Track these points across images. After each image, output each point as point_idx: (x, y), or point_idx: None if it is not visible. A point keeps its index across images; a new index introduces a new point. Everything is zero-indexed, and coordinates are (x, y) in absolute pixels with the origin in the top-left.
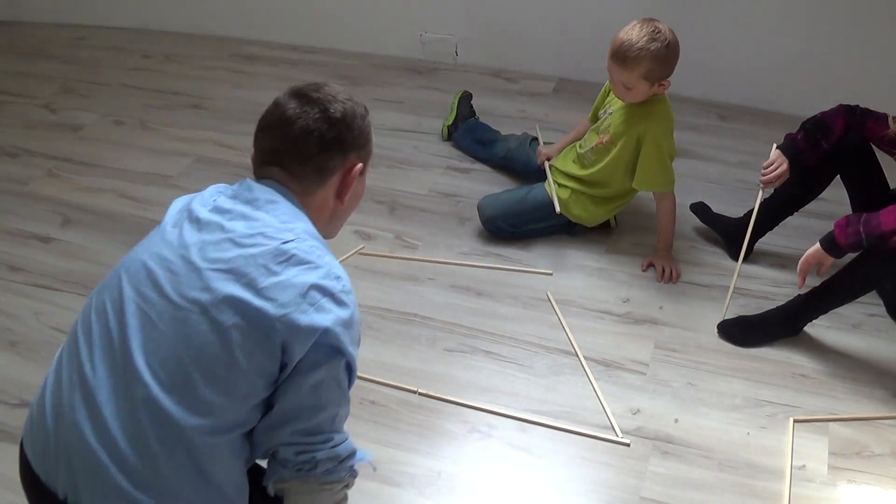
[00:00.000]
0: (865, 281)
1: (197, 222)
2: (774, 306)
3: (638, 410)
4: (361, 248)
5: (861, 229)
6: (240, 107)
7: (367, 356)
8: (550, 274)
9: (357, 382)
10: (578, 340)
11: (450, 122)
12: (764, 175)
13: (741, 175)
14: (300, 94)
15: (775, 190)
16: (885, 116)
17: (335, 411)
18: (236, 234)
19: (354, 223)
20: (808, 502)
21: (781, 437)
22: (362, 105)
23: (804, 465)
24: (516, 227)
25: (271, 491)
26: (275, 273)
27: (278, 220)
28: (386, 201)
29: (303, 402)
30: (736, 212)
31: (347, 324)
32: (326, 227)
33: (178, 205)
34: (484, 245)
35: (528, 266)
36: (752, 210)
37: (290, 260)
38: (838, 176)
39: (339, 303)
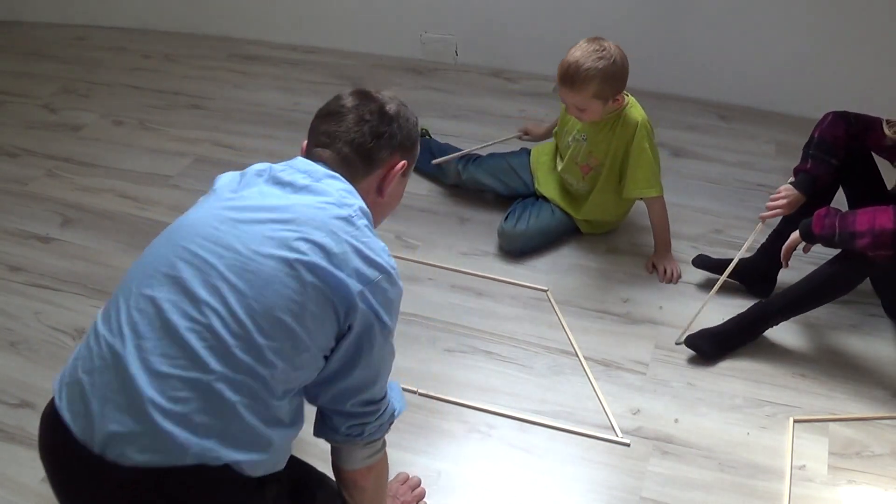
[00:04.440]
0: (824, 290)
1: (267, 185)
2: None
3: (638, 410)
4: None
5: (836, 223)
6: (240, 107)
7: None
8: (546, 290)
9: None
10: (578, 340)
11: None
12: (770, 203)
13: (741, 175)
14: (361, 91)
15: (783, 218)
16: (878, 122)
17: (386, 378)
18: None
19: None
20: (808, 502)
21: (781, 437)
22: (415, 115)
23: (804, 465)
24: (536, 248)
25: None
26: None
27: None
28: None
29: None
30: (736, 212)
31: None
32: None
33: (225, 179)
34: (484, 245)
35: (528, 266)
36: (764, 245)
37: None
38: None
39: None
